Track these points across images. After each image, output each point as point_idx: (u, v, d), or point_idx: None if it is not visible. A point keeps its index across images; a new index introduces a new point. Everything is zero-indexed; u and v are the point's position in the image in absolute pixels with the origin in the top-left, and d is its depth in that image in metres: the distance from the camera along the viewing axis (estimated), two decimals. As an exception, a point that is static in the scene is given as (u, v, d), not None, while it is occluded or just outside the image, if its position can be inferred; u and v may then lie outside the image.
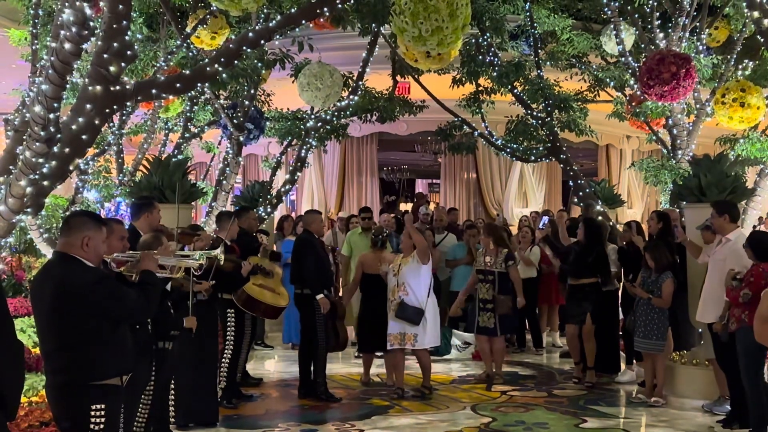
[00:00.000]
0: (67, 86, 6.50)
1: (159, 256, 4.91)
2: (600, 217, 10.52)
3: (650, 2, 10.96)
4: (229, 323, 8.01)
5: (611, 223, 10.59)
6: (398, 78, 13.07)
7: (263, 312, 8.23)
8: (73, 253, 4.26)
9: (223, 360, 7.90)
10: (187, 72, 7.42)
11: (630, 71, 11.07)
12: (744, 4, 8.47)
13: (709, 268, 7.75)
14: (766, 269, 6.72)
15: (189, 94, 11.55)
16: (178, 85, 7.12)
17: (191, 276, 5.94)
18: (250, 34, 7.43)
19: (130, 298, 4.33)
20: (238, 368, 8.91)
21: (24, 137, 6.61)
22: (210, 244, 7.16)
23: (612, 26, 11.22)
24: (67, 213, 4.63)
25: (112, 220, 5.39)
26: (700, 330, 8.65)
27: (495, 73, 11.78)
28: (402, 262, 8.56)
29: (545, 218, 14.30)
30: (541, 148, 12.18)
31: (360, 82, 11.88)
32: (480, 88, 12.91)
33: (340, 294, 9.84)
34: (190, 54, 10.62)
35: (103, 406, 4.19)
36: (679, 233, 8.47)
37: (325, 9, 7.57)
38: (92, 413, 4.16)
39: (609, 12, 11.06)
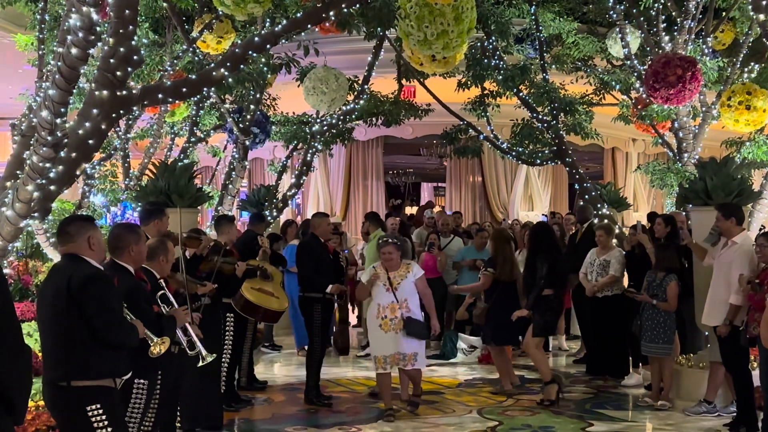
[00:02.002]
0: (74, 91, 6.52)
1: (185, 322, 5.16)
2: (602, 220, 10.51)
3: (656, 5, 10.96)
4: (228, 327, 8.02)
5: (617, 227, 10.57)
6: (404, 82, 13.10)
7: (262, 316, 8.21)
8: (81, 254, 4.35)
9: (223, 364, 7.89)
10: (193, 76, 7.45)
11: (636, 74, 11.07)
12: (749, 7, 8.47)
13: (715, 271, 7.72)
14: None
15: (195, 99, 11.58)
16: (184, 89, 7.14)
17: (184, 277, 6.01)
18: (256, 38, 7.45)
19: (118, 318, 4.35)
20: (243, 372, 8.95)
21: (31, 142, 6.63)
22: (210, 248, 7.19)
23: (617, 29, 11.23)
24: (60, 221, 4.67)
25: (135, 226, 5.44)
26: (706, 333, 8.63)
27: (500, 77, 11.79)
28: (398, 277, 7.88)
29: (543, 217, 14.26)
30: (546, 152, 12.18)
31: (365, 86, 11.90)
32: (485, 92, 12.91)
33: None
34: (196, 58, 10.65)
35: (98, 406, 4.22)
36: (684, 235, 8.41)
37: (331, 13, 7.59)
38: (90, 414, 4.20)
39: (614, 15, 11.07)
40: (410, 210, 23.14)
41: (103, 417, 4.21)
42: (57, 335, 4.22)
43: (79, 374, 4.22)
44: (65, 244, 4.40)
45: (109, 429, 4.24)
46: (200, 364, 5.18)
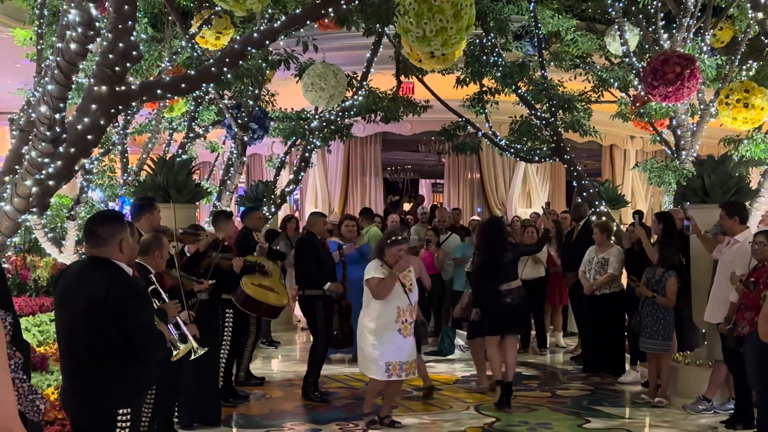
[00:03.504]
0: (73, 86, 6.52)
1: (176, 316, 5.02)
2: (600, 218, 10.53)
3: (654, 3, 10.97)
4: (227, 324, 8.03)
5: (615, 224, 10.57)
6: (402, 78, 13.09)
7: (263, 312, 8.24)
8: (112, 258, 4.18)
9: (221, 359, 7.91)
10: (192, 72, 7.44)
11: (634, 72, 11.08)
12: (748, 5, 8.48)
13: (718, 269, 7.74)
14: None
15: (193, 94, 11.57)
16: (182, 85, 7.14)
17: (179, 273, 6.01)
18: (255, 34, 7.45)
19: (155, 333, 4.28)
20: (242, 367, 8.96)
21: (29, 137, 6.64)
22: (211, 243, 7.18)
23: (616, 27, 11.23)
24: (89, 219, 4.47)
25: (129, 222, 5.40)
26: (703, 330, 8.65)
27: (499, 74, 11.79)
28: (407, 277, 7.41)
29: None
30: (544, 149, 12.19)
31: (364, 83, 11.90)
32: (484, 89, 12.91)
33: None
34: (195, 54, 10.64)
35: (128, 410, 4.15)
36: (693, 227, 8.33)
37: (330, 9, 7.57)
38: (119, 417, 4.12)
39: (613, 12, 11.07)
40: (408, 206, 23.16)
41: (128, 422, 4.16)
42: (92, 345, 4.10)
43: (116, 381, 4.13)
44: (95, 247, 4.20)
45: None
46: (192, 357, 5.16)
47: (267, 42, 7.65)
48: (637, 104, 11.90)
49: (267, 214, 11.51)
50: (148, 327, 4.21)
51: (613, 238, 9.84)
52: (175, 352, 4.74)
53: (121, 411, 4.12)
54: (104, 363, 4.11)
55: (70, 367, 4.23)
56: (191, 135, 12.44)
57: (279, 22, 7.66)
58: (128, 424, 4.14)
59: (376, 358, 7.25)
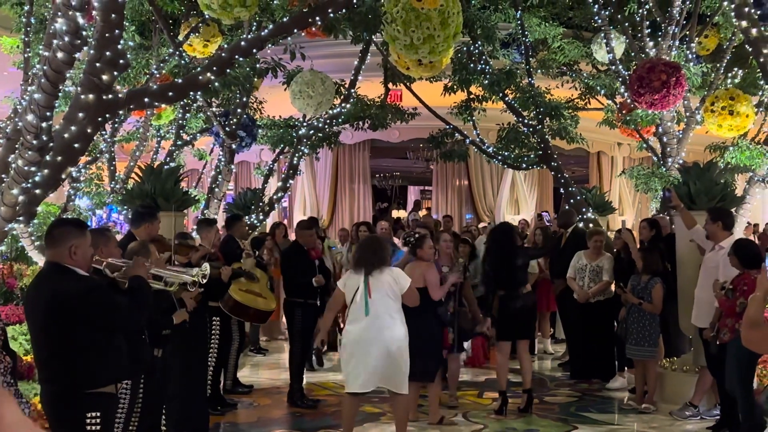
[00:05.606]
0: (60, 95, 6.51)
1: (152, 266, 4.90)
2: (587, 224, 10.57)
3: (640, 11, 11.05)
4: (213, 331, 8.02)
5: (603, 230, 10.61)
6: (390, 86, 13.11)
7: (251, 317, 8.25)
8: (64, 262, 4.22)
9: (208, 367, 7.88)
10: (180, 80, 7.44)
11: (620, 79, 11.14)
12: (733, 13, 8.54)
13: (701, 275, 7.80)
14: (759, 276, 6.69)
15: (181, 102, 11.56)
16: (170, 93, 7.13)
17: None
18: (243, 42, 7.46)
19: (122, 307, 4.32)
20: (228, 375, 8.94)
21: (16, 146, 6.62)
22: (207, 256, 7.16)
23: (602, 35, 11.30)
24: (50, 223, 4.57)
25: (104, 229, 5.39)
26: (690, 337, 8.69)
27: (486, 81, 11.83)
28: None
29: (545, 214, 14.35)
30: (532, 156, 12.23)
31: (352, 90, 11.91)
32: (471, 96, 12.95)
33: None
34: (183, 62, 10.64)
35: (98, 414, 4.17)
36: (673, 198, 8.31)
37: (317, 18, 7.59)
38: (87, 421, 4.14)
39: (599, 20, 11.14)
40: (397, 213, 23.17)
41: (98, 426, 4.16)
42: (52, 346, 4.15)
43: (82, 383, 4.16)
44: (50, 248, 4.28)
45: None
46: (194, 278, 5.12)
47: (255, 50, 7.66)
48: (624, 111, 11.95)
49: (255, 221, 11.51)
50: (116, 306, 4.26)
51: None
52: (190, 279, 4.86)
53: (89, 415, 4.15)
54: (67, 365, 4.15)
55: (41, 373, 4.31)
56: (179, 143, 12.42)
57: (267, 30, 7.68)
58: (98, 428, 4.15)
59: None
